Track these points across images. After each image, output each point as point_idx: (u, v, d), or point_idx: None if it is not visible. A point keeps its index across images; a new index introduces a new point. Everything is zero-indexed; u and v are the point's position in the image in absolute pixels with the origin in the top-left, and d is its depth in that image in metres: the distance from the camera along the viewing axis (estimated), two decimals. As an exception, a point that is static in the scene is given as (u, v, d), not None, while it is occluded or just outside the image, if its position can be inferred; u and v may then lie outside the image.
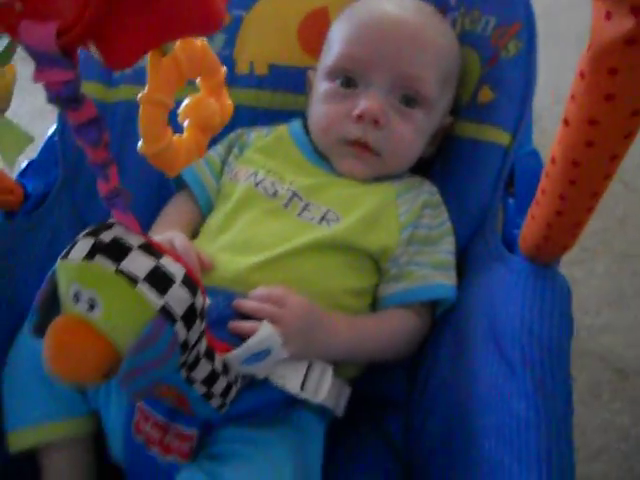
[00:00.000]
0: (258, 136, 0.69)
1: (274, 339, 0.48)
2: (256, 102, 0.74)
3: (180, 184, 0.68)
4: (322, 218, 0.60)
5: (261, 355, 0.48)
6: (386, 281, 0.61)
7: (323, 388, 0.52)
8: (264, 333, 0.48)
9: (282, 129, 0.69)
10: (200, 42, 0.33)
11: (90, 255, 0.34)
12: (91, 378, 0.34)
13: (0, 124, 0.45)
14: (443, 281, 0.60)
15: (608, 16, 0.28)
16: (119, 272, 0.34)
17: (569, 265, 1.10)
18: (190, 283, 0.36)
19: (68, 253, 0.35)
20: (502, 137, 0.64)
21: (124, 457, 0.52)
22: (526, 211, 0.48)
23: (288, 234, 0.58)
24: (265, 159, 0.66)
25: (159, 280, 0.34)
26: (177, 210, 0.68)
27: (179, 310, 0.35)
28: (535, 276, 0.49)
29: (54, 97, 0.26)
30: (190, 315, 0.36)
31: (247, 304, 0.52)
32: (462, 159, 0.67)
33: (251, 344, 0.47)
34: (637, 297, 1.05)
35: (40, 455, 0.54)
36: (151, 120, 0.32)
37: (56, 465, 0.54)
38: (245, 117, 0.72)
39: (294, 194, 0.61)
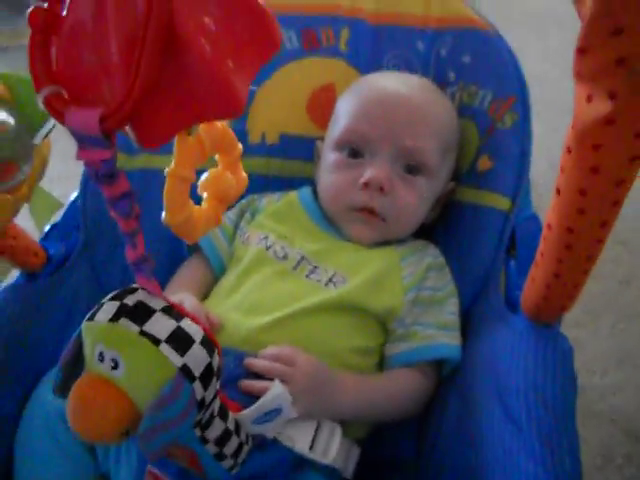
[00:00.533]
0: (269, 202, 0.72)
1: (285, 397, 0.49)
2: (267, 170, 0.78)
3: (193, 248, 0.71)
4: (329, 280, 0.62)
5: (272, 414, 0.49)
6: (392, 341, 0.62)
7: (332, 448, 0.53)
8: (275, 392, 0.49)
9: (292, 195, 0.73)
10: (221, 124, 0.37)
11: (115, 317, 0.36)
12: (111, 435, 0.36)
13: (35, 193, 0.48)
14: (448, 341, 0.61)
15: (589, 99, 0.31)
16: (143, 333, 0.36)
17: (574, 327, 1.10)
18: (208, 343, 0.38)
19: (94, 315, 0.38)
20: (502, 202, 0.66)
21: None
22: (527, 273, 0.50)
23: (296, 295, 0.60)
24: (276, 224, 0.69)
25: (180, 341, 0.36)
26: (190, 272, 0.70)
27: (198, 369, 0.37)
28: (537, 336, 0.50)
29: (93, 173, 0.29)
30: (207, 374, 0.38)
31: (258, 363, 0.54)
32: (464, 223, 0.69)
33: (263, 403, 0.48)
34: (644, 357, 1.05)
35: None
36: (175, 193, 0.35)
37: None
38: (257, 183, 0.75)
39: (303, 257, 0.64)
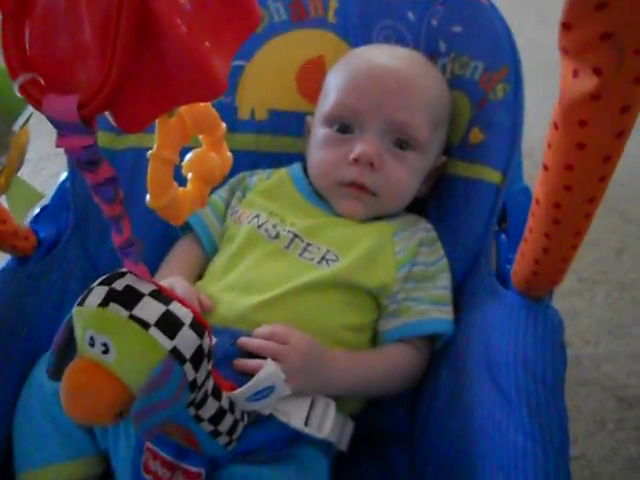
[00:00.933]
0: (260, 179, 0.72)
1: (278, 376, 0.50)
2: (257, 146, 0.78)
3: (185, 227, 0.71)
4: (322, 258, 0.62)
5: (265, 392, 0.50)
6: (385, 317, 0.63)
7: (326, 423, 0.54)
8: (268, 370, 0.50)
9: (282, 172, 0.72)
10: (203, 103, 0.36)
11: (105, 302, 0.36)
12: (105, 418, 0.36)
13: (13, 183, 0.47)
14: (440, 316, 0.62)
15: (575, 74, 0.31)
16: (132, 318, 0.36)
17: (568, 296, 1.11)
18: (198, 326, 0.38)
19: (84, 300, 0.38)
20: (493, 175, 0.66)
21: (133, 496, 0.53)
22: (518, 247, 0.50)
23: (289, 274, 0.60)
24: (267, 202, 0.68)
25: (169, 324, 0.37)
26: (183, 253, 0.70)
27: (188, 352, 0.37)
28: (527, 310, 0.51)
29: (75, 160, 0.28)
30: (198, 356, 0.38)
31: (251, 342, 0.54)
32: (455, 197, 0.69)
33: (256, 381, 0.49)
34: (637, 326, 1.06)
35: None
36: (158, 175, 0.35)
37: None
38: (247, 160, 0.75)
39: (295, 236, 0.64)
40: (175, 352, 0.37)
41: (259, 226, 0.65)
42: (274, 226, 0.65)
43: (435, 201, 0.72)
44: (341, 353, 0.58)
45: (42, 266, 0.65)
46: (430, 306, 0.62)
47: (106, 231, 0.70)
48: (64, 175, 0.74)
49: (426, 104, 0.65)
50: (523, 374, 0.47)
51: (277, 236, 0.64)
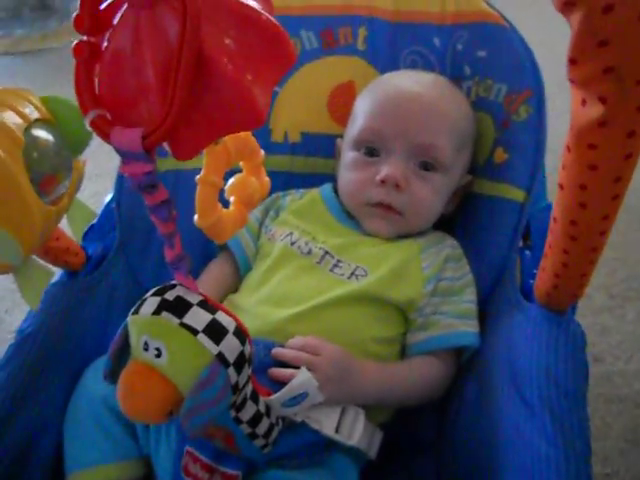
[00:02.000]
0: (292, 199, 0.76)
1: (311, 383, 0.53)
2: (290, 167, 0.81)
3: (222, 246, 0.74)
4: (352, 274, 0.64)
5: (299, 398, 0.52)
6: (413, 330, 0.65)
7: (356, 431, 0.56)
8: (302, 377, 0.53)
9: (314, 192, 0.75)
10: (244, 132, 0.40)
11: (157, 311, 0.40)
12: (157, 416, 0.40)
13: (72, 203, 0.52)
14: (467, 329, 0.63)
15: (583, 103, 0.33)
16: (182, 325, 0.40)
17: (599, 312, 1.11)
18: (240, 334, 0.42)
19: (138, 309, 0.42)
20: (517, 194, 0.68)
21: (174, 497, 0.56)
22: (541, 262, 0.52)
23: (321, 288, 0.63)
24: (299, 220, 0.71)
25: (215, 331, 0.40)
26: (216, 270, 0.74)
27: (231, 356, 0.41)
28: (550, 322, 0.52)
29: (136, 185, 0.32)
30: (240, 361, 0.42)
31: (286, 353, 0.57)
32: (481, 215, 0.71)
33: (291, 387, 0.52)
34: (669, 342, 1.05)
35: None
36: (206, 198, 0.39)
37: None
38: (280, 181, 0.79)
39: (326, 252, 0.67)
40: (220, 356, 0.40)
41: (292, 243, 0.68)
42: (306, 243, 0.68)
43: (461, 219, 0.74)
44: (370, 364, 0.60)
45: (91, 280, 0.69)
46: (457, 320, 0.64)
47: (148, 248, 0.75)
48: (109, 196, 0.79)
49: (449, 126, 0.67)
50: (546, 383, 0.49)
51: (309, 252, 0.67)
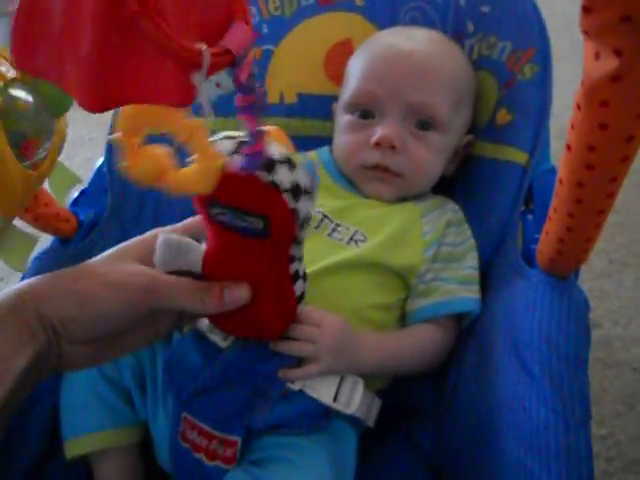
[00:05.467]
0: (289, 162, 0.74)
1: None
2: (287, 129, 0.78)
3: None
4: (350, 239, 0.63)
5: None
6: (414, 297, 0.64)
7: (355, 400, 0.55)
8: None
9: (312, 155, 0.74)
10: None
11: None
12: None
13: (55, 168, 0.50)
14: (468, 295, 0.63)
15: (597, 56, 0.31)
16: None
17: (598, 277, 1.11)
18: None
19: None
20: (520, 156, 0.67)
21: (171, 462, 0.56)
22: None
23: (319, 254, 0.61)
24: (296, 184, 0.70)
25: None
26: None
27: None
28: (552, 289, 0.51)
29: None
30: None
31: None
32: (483, 178, 0.70)
33: None
34: (669, 308, 1.05)
35: (93, 461, 0.58)
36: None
37: (107, 470, 0.58)
38: (277, 143, 0.77)
39: (324, 216, 0.65)
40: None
41: (289, 207, 0.67)
42: (304, 207, 0.67)
43: (462, 183, 0.73)
44: (371, 334, 0.59)
45: (83, 246, 0.68)
46: (458, 286, 0.63)
47: (142, 211, 0.73)
48: (100, 160, 0.77)
49: (445, 82, 0.65)
50: (546, 350, 0.48)
51: (307, 216, 0.66)
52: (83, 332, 0.41)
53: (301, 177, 0.41)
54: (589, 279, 1.09)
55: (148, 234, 0.47)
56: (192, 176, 0.38)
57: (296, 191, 0.40)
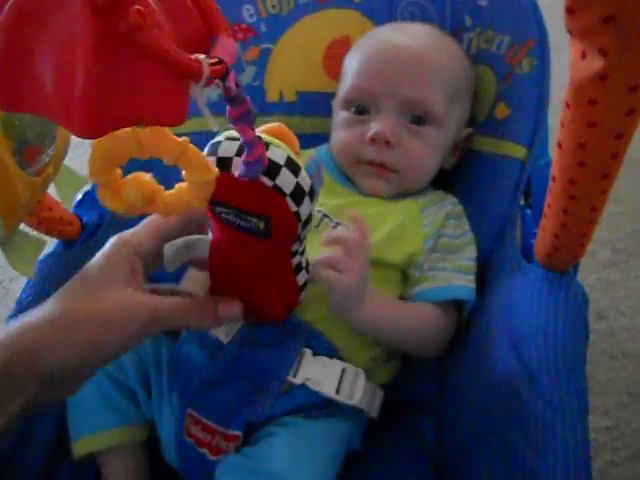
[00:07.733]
0: (288, 161, 0.74)
1: None
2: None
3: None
4: None
5: None
6: (410, 285, 0.64)
7: (357, 391, 0.56)
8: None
9: (311, 154, 0.74)
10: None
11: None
12: None
13: (61, 171, 0.51)
14: (463, 283, 0.63)
15: (583, 55, 0.31)
16: None
17: (604, 268, 1.10)
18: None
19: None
20: (518, 151, 0.67)
21: (177, 458, 0.57)
22: (541, 221, 0.51)
23: (319, 254, 0.62)
24: (295, 182, 0.70)
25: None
26: None
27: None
28: (550, 283, 0.52)
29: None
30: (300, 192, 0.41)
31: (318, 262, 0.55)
32: (481, 173, 0.70)
33: None
34: (674, 298, 1.05)
35: (100, 461, 0.59)
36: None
37: (114, 468, 0.59)
38: (276, 142, 0.77)
39: (324, 215, 0.65)
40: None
41: (289, 206, 0.67)
42: (304, 206, 0.67)
43: (461, 178, 0.73)
44: (380, 296, 0.59)
45: (86, 249, 0.68)
46: (454, 274, 0.63)
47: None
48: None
49: (440, 77, 0.65)
50: (544, 344, 0.49)
51: (307, 215, 0.66)
52: (78, 375, 0.41)
53: (303, 180, 0.41)
54: (594, 269, 1.08)
55: (115, 248, 0.47)
56: (187, 192, 0.38)
57: (298, 194, 0.41)
